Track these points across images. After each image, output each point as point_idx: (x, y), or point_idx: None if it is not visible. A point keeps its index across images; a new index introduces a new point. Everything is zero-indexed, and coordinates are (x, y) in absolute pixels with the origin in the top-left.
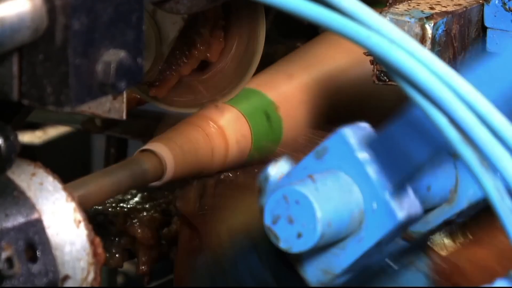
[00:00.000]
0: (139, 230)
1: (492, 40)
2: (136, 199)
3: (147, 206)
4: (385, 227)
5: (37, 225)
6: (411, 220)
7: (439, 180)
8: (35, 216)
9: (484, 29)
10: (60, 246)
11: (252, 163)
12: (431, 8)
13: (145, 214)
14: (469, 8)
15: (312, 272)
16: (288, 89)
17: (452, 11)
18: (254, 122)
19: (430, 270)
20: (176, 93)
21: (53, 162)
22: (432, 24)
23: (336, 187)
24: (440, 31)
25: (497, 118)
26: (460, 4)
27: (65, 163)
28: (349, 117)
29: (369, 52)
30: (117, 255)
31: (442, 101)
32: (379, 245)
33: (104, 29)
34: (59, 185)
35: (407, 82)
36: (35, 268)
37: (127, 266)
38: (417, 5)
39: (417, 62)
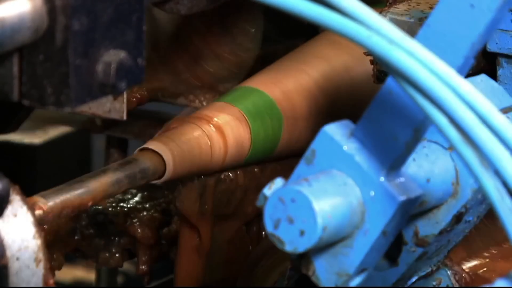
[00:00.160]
0: (139, 230)
1: (492, 40)
2: (136, 198)
3: (147, 205)
4: (387, 212)
5: (2, 271)
6: (411, 201)
7: (437, 172)
8: (3, 262)
9: None
10: (16, 285)
11: (252, 163)
12: (431, 8)
13: (145, 213)
14: None
15: (327, 279)
16: (288, 88)
17: None
18: (254, 121)
19: (451, 282)
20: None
21: (53, 162)
22: None
23: (330, 182)
24: None
25: (497, 117)
26: None
27: (65, 163)
28: (351, 116)
29: (369, 52)
30: (117, 255)
31: (442, 101)
32: (385, 234)
33: (104, 29)
34: (31, 219)
35: (407, 82)
36: None
37: (127, 266)
38: (417, 5)
39: (417, 62)
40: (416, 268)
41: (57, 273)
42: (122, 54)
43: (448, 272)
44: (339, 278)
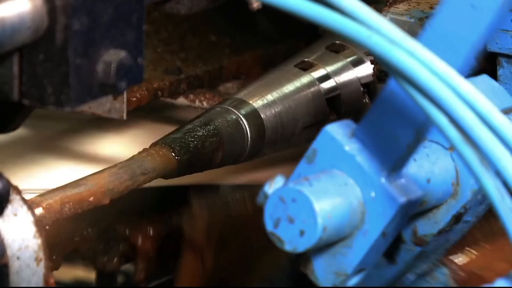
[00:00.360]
0: (140, 240)
1: (492, 40)
2: None
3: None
4: (388, 213)
5: (2, 270)
6: (411, 203)
7: (438, 173)
8: (3, 261)
9: None
10: (17, 284)
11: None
12: (431, 8)
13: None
14: None
15: (325, 277)
16: None
17: None
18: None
19: (448, 280)
20: None
21: None
22: None
23: (331, 182)
24: None
25: (497, 117)
26: None
27: None
28: None
29: (369, 52)
30: (114, 260)
31: (442, 100)
32: (384, 235)
33: (104, 29)
34: (31, 218)
35: (408, 82)
36: None
37: (127, 266)
38: (417, 5)
39: (418, 61)
40: (414, 267)
41: (57, 272)
42: (122, 54)
43: (446, 271)
44: (337, 278)
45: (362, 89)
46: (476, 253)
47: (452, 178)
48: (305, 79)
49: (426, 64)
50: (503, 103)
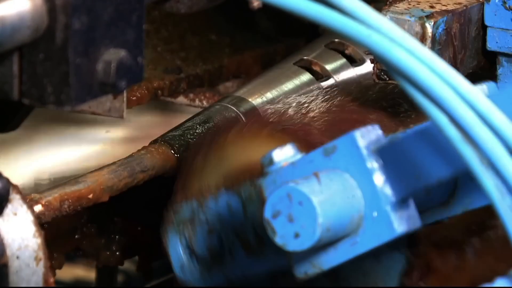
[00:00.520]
0: (139, 228)
1: (492, 38)
2: None
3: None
4: (382, 237)
5: (2, 270)
6: (408, 233)
7: (439, 187)
8: (3, 261)
9: (484, 27)
10: (16, 284)
11: None
12: (431, 7)
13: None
14: (469, 7)
15: (300, 260)
16: None
17: (452, 9)
18: None
19: (406, 251)
20: None
21: None
22: (432, 23)
23: (340, 191)
24: (440, 30)
25: (497, 117)
26: (460, 3)
27: None
28: None
29: (369, 51)
30: (117, 253)
31: (442, 99)
32: (371, 251)
33: (104, 28)
34: (31, 217)
35: (407, 81)
36: None
37: (127, 265)
38: (417, 4)
39: (417, 60)
40: None
41: (57, 272)
42: (122, 53)
43: None
44: (312, 268)
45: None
46: None
47: (450, 189)
48: (304, 77)
49: (426, 63)
50: None
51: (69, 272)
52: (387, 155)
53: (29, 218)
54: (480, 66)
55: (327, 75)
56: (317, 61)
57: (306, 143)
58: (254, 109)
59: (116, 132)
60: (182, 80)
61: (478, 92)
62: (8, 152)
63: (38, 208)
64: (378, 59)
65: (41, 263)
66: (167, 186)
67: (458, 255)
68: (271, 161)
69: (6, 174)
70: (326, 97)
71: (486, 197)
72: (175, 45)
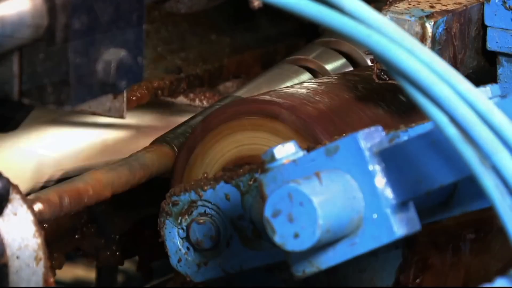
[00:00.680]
0: (139, 229)
1: (492, 38)
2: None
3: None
4: (381, 239)
5: (2, 269)
6: (408, 236)
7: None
8: (3, 261)
9: (484, 27)
10: (16, 284)
11: None
12: (431, 7)
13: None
14: (469, 6)
15: (298, 259)
16: None
17: (453, 9)
18: None
19: (403, 248)
20: None
21: None
22: (432, 23)
23: (341, 192)
24: (440, 29)
25: (497, 116)
26: (460, 3)
27: None
28: None
29: (369, 51)
30: (117, 253)
31: (442, 99)
32: (370, 252)
33: (104, 28)
34: (31, 217)
35: (407, 81)
36: None
37: (127, 265)
38: (417, 4)
39: (417, 60)
40: None
41: (57, 272)
42: (122, 53)
43: None
44: (310, 267)
45: None
46: None
47: (450, 189)
48: (304, 77)
49: (426, 63)
50: None
51: (69, 272)
52: (390, 158)
53: (29, 218)
54: (480, 66)
55: (326, 75)
56: (317, 61)
57: (294, 112)
58: None
59: (116, 132)
60: (182, 80)
61: (477, 91)
62: (8, 152)
63: (38, 207)
64: (378, 59)
65: (41, 263)
66: (167, 186)
67: (454, 252)
68: (272, 157)
69: (6, 174)
70: (320, 84)
71: (485, 200)
72: (175, 45)
